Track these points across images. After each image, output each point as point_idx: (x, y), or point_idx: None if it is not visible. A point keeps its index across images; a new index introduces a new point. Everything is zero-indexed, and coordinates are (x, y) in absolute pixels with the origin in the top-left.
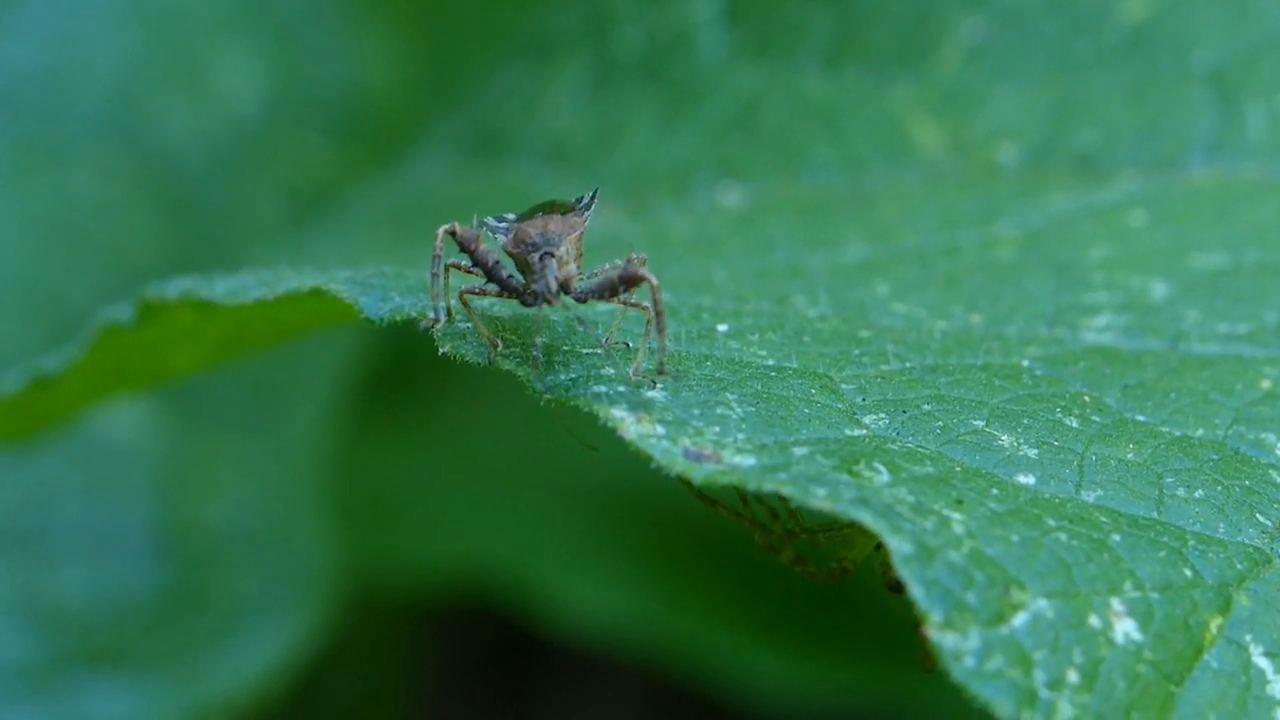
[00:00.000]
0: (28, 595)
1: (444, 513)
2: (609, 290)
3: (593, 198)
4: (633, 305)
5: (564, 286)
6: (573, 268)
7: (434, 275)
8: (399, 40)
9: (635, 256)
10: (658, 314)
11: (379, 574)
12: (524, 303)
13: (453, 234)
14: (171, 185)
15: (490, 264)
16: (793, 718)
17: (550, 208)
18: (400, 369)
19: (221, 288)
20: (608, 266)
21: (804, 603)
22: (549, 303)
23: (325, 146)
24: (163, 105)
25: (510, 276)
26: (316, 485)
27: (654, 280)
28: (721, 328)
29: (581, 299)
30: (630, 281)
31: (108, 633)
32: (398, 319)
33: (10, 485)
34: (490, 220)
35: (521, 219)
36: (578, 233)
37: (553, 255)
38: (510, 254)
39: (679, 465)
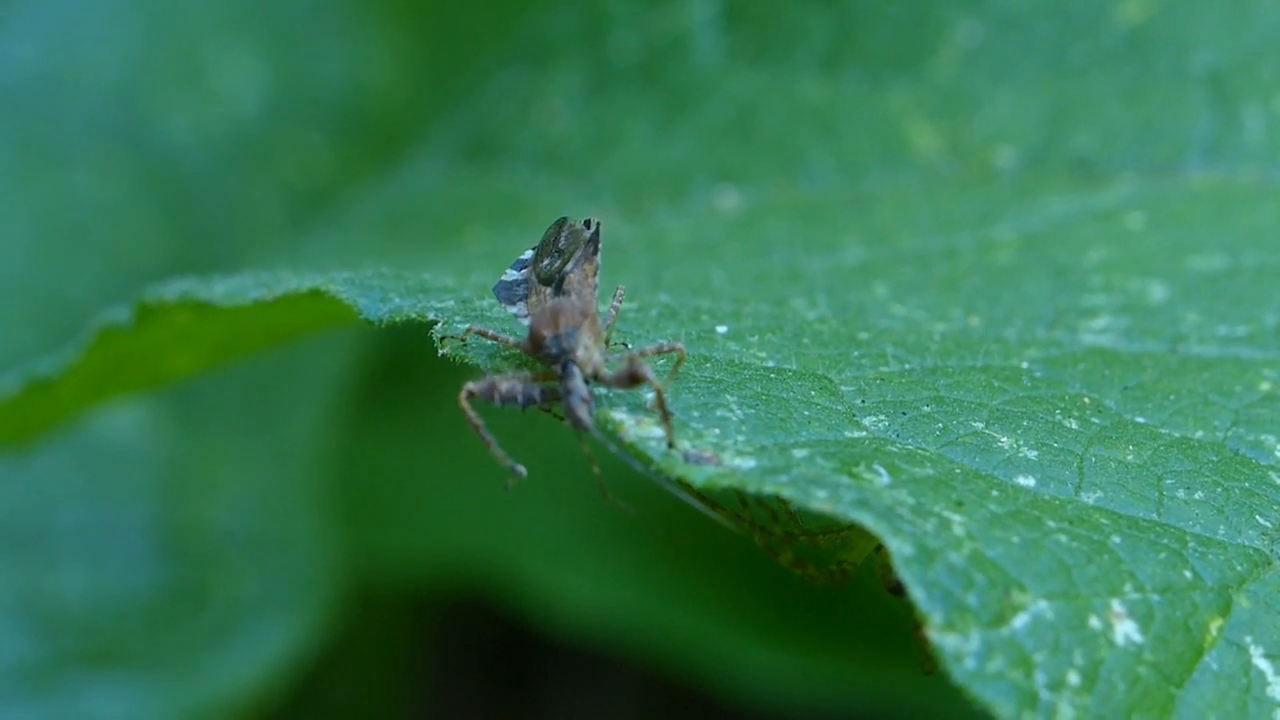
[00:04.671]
0: (28, 595)
1: (441, 510)
2: (622, 386)
3: (596, 233)
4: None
5: (594, 374)
6: (598, 356)
7: (488, 444)
8: (400, 41)
9: (636, 355)
10: (662, 411)
11: (378, 573)
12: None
13: (472, 395)
14: (172, 185)
15: (522, 402)
16: (789, 713)
17: (560, 232)
18: (398, 367)
19: (220, 289)
20: (619, 358)
21: (799, 598)
22: (584, 429)
23: (326, 147)
24: (164, 105)
25: (544, 392)
26: (316, 485)
27: (657, 384)
28: (721, 329)
29: (608, 384)
30: (635, 380)
31: (107, 633)
32: (397, 320)
33: (10, 486)
34: (511, 273)
35: (537, 255)
36: (591, 314)
37: (574, 361)
38: (529, 355)
39: (679, 468)
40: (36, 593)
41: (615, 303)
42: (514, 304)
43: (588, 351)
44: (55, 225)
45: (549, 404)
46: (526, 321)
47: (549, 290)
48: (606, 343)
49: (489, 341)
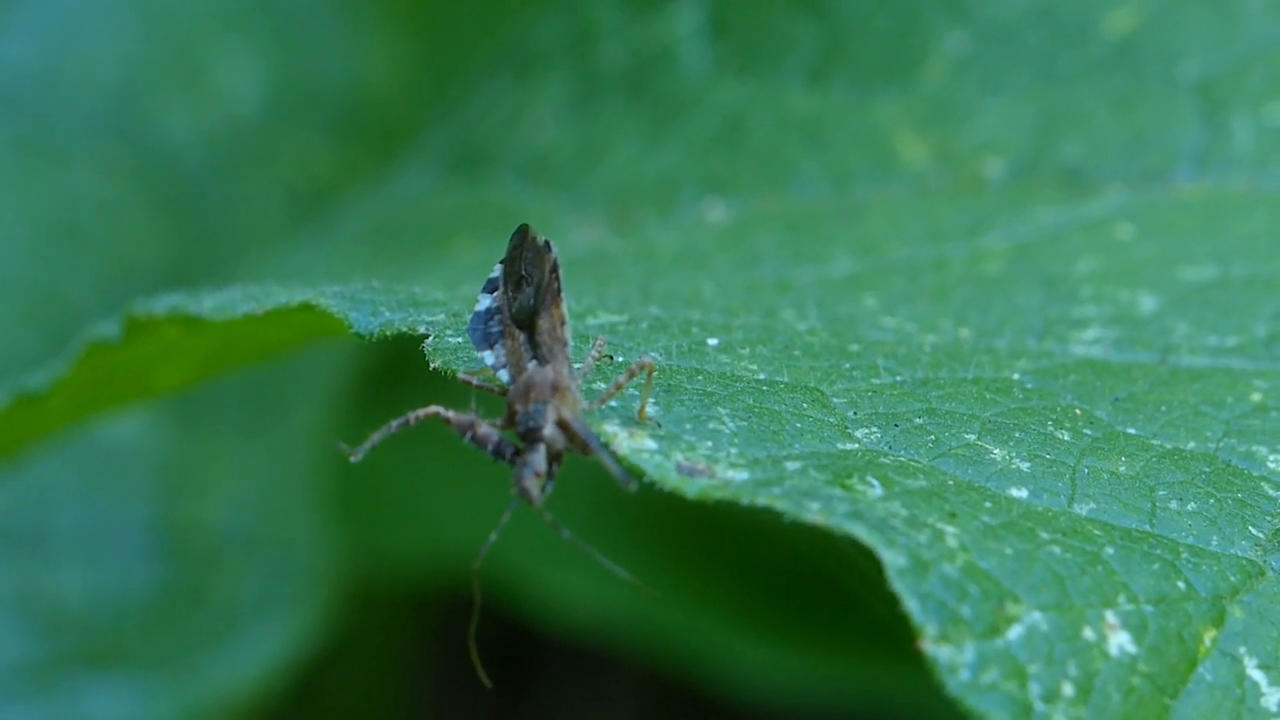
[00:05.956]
0: (27, 595)
1: (441, 510)
2: (579, 449)
3: (555, 267)
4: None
5: (578, 441)
6: (571, 411)
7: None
8: (399, 40)
9: (593, 441)
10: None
11: (378, 572)
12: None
13: (447, 421)
14: (171, 184)
15: (490, 449)
16: (787, 711)
17: (522, 246)
18: (396, 366)
19: (209, 303)
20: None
21: (798, 597)
22: (529, 501)
23: (325, 146)
24: (163, 104)
25: (516, 451)
26: (315, 484)
27: (607, 461)
28: (712, 341)
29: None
30: (586, 451)
31: (106, 633)
32: (387, 334)
33: (8, 486)
34: (484, 299)
35: (505, 274)
36: (562, 385)
37: (540, 440)
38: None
39: (672, 480)
40: (35, 593)
41: (593, 352)
42: (490, 347)
43: (555, 429)
44: (53, 224)
45: (514, 463)
46: (503, 374)
47: (523, 338)
48: (599, 360)
49: (474, 382)
